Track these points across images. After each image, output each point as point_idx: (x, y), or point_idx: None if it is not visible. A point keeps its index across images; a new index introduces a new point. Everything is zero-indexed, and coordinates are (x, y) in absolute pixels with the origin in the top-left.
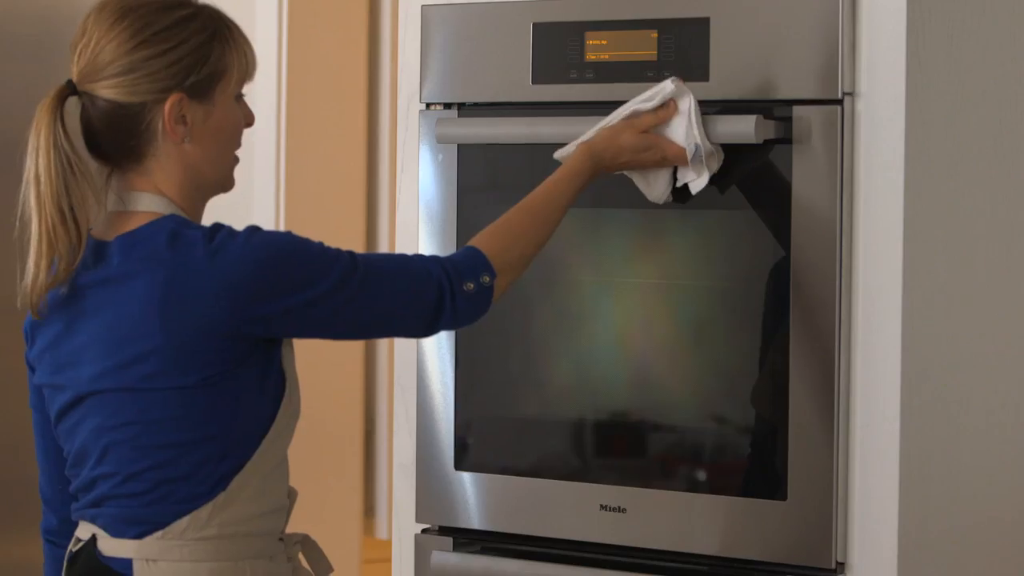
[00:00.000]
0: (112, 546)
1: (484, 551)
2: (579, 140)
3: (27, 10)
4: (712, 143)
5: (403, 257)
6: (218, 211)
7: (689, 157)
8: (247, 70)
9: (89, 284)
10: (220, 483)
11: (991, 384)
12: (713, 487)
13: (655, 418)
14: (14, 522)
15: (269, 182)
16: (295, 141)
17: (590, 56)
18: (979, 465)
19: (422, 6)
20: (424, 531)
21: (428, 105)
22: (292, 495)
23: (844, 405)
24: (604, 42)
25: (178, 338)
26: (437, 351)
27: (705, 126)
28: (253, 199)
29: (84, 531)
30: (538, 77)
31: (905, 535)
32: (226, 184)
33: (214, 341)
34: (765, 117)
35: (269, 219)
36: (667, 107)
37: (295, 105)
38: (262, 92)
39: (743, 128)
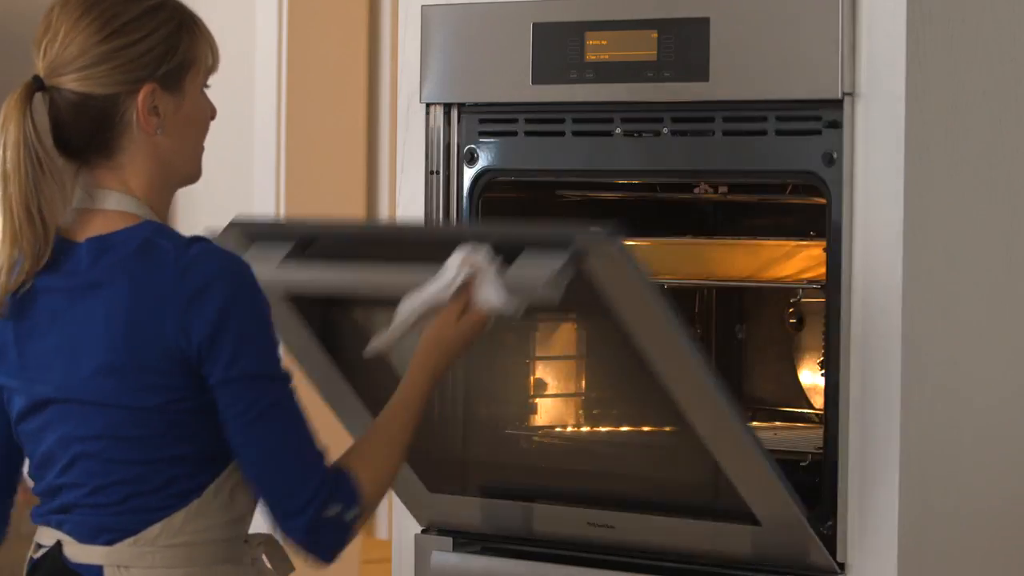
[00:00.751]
0: (80, 552)
1: (484, 551)
2: (384, 342)
3: (27, 10)
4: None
5: (307, 427)
6: (218, 212)
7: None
8: (213, 61)
9: (55, 287)
10: (193, 493)
11: (991, 384)
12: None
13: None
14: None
15: (269, 182)
16: (295, 141)
17: (590, 56)
18: (979, 465)
19: (422, 6)
20: (424, 531)
21: (428, 105)
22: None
23: (844, 405)
24: (604, 42)
25: (140, 358)
26: None
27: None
28: (253, 199)
29: (46, 537)
30: (538, 77)
31: (905, 535)
32: (194, 175)
33: (177, 365)
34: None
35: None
36: (466, 287)
37: (295, 105)
38: (262, 92)
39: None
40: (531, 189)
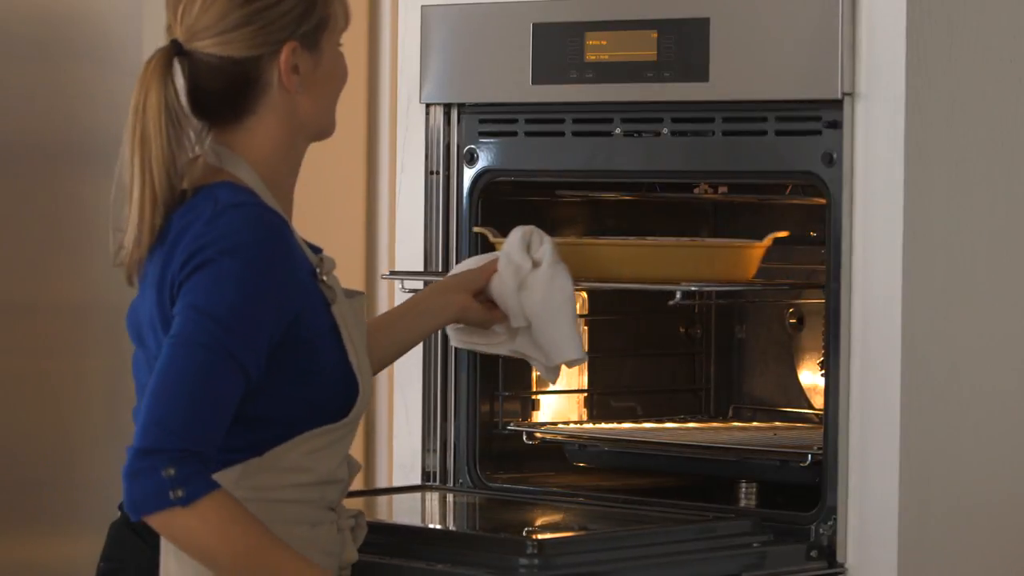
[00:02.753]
0: None
1: None
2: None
3: (27, 10)
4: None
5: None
6: None
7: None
8: (345, 19)
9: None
10: (252, 449)
11: (991, 384)
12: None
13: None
14: (14, 522)
15: None
16: None
17: (590, 56)
18: (978, 465)
19: (422, 6)
20: None
21: (428, 105)
22: (354, 467)
23: (844, 405)
24: (604, 42)
25: (166, 310)
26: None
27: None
28: None
29: None
30: (538, 77)
31: (905, 535)
32: (329, 130)
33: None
34: None
35: None
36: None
37: None
38: None
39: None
40: (531, 189)
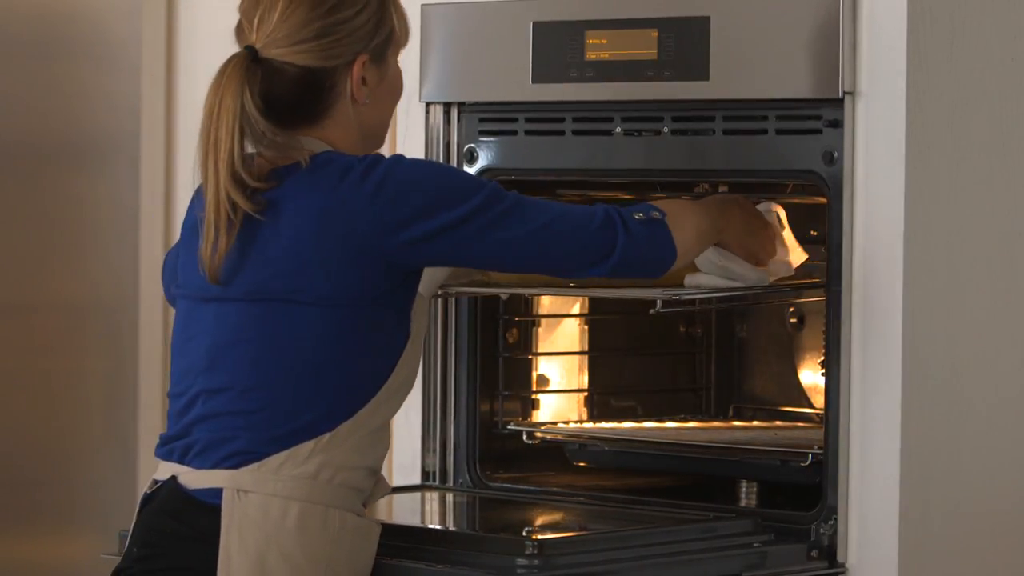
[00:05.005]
0: (199, 478)
1: None
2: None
3: (26, 10)
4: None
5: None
6: None
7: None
8: (407, 33)
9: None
10: (326, 423)
11: (991, 384)
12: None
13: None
14: (14, 522)
15: None
16: None
17: (590, 55)
18: (979, 465)
19: (421, 5)
20: None
21: (428, 104)
22: (382, 483)
23: (844, 404)
24: (604, 41)
25: (328, 258)
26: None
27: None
28: None
29: (164, 471)
30: (538, 76)
31: (905, 535)
32: (383, 141)
33: (365, 266)
34: None
35: None
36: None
37: None
38: None
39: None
40: (531, 188)
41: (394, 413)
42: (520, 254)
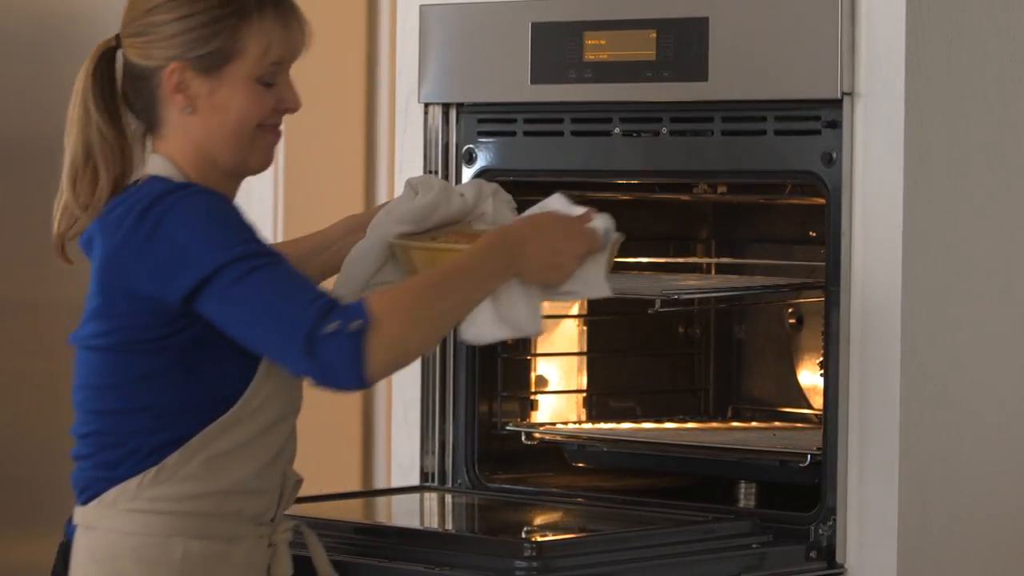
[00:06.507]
0: (74, 518)
1: None
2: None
3: (26, 10)
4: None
5: (301, 277)
6: None
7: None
8: (275, 55)
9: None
10: (151, 457)
11: (991, 384)
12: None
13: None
14: (14, 522)
15: (267, 182)
16: (293, 140)
17: (589, 56)
18: (978, 465)
19: (420, 6)
20: None
21: (426, 105)
22: (288, 481)
23: (844, 405)
24: (603, 42)
25: (112, 303)
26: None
27: None
28: (252, 199)
29: None
30: (537, 77)
31: (905, 535)
32: (239, 166)
33: (143, 312)
34: None
35: (267, 220)
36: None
37: None
38: None
39: None
40: (530, 189)
41: (255, 434)
42: (243, 329)
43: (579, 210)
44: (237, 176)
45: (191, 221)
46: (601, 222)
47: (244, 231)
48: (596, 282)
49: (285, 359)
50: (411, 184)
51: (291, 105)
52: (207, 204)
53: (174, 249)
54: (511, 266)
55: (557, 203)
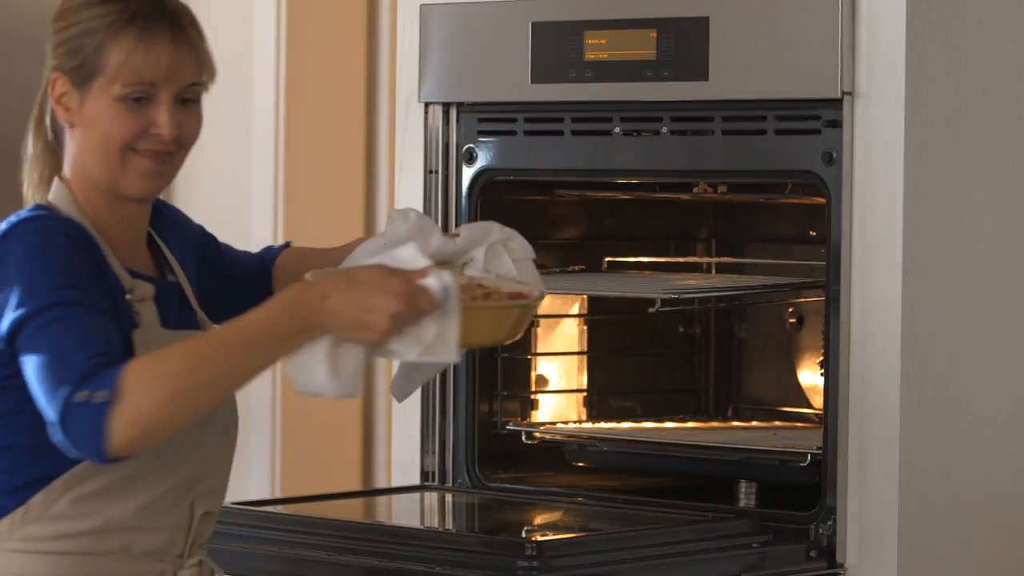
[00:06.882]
0: None
1: None
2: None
3: (26, 10)
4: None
5: (93, 331)
6: (217, 214)
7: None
8: (132, 75)
9: None
10: (15, 496)
11: (990, 384)
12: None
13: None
14: None
15: (267, 182)
16: (293, 141)
17: (589, 55)
18: (978, 464)
19: (421, 5)
20: None
21: (427, 104)
22: (197, 513)
23: (843, 405)
24: (603, 41)
25: None
26: None
27: None
28: (252, 198)
29: None
30: (537, 76)
31: (905, 535)
32: (116, 191)
33: None
34: None
35: (268, 220)
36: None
37: (293, 104)
38: (260, 91)
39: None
40: (530, 188)
41: (136, 472)
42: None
43: (422, 263)
44: (120, 198)
45: (20, 263)
46: (436, 280)
47: (63, 275)
48: (438, 344)
49: (47, 421)
50: (390, 215)
51: (160, 131)
52: (38, 243)
53: (5, 289)
54: (310, 325)
55: (407, 253)
